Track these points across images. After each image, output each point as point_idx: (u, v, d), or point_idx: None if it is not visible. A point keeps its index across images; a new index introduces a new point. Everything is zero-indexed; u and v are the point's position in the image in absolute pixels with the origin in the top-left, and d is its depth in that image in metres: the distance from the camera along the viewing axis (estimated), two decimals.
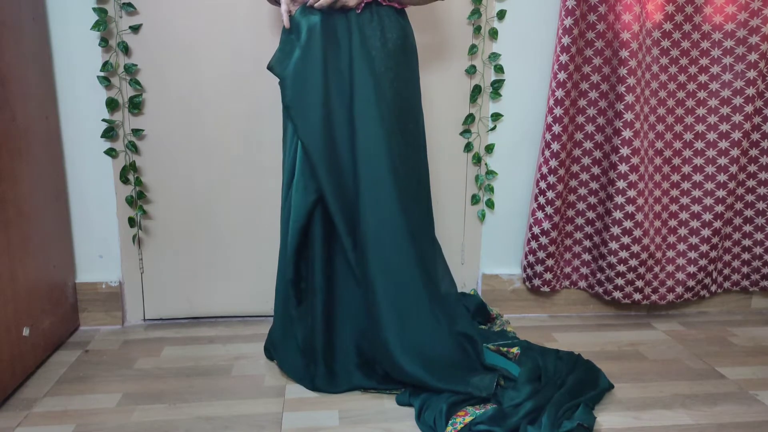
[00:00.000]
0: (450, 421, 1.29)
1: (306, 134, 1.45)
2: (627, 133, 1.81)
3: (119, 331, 1.86)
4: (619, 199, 1.87)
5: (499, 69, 1.90)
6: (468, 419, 1.29)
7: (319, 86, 1.44)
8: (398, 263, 1.48)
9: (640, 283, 1.94)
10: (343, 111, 1.47)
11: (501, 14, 1.86)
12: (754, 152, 1.97)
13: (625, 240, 1.89)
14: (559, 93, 1.82)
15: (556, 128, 1.84)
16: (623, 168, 1.84)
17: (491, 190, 1.99)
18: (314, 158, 1.45)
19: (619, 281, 1.93)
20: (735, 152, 1.91)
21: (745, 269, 2.07)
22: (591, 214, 1.97)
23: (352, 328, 1.55)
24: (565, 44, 1.78)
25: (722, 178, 1.93)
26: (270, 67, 1.47)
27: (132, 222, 1.83)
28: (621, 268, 1.91)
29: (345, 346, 1.54)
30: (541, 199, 1.91)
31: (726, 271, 2.08)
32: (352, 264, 1.52)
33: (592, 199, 1.95)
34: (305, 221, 1.48)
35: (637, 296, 1.95)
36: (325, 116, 1.45)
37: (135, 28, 1.73)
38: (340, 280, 1.54)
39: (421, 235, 1.57)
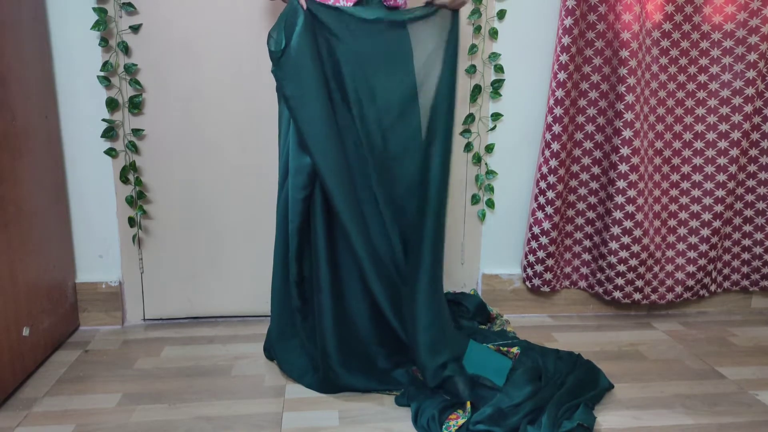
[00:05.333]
0: (444, 426, 1.30)
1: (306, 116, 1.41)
2: (627, 133, 1.81)
3: (119, 331, 1.86)
4: (619, 199, 1.87)
5: (499, 69, 1.90)
6: (461, 421, 1.30)
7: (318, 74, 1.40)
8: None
9: (640, 283, 1.93)
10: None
11: (501, 14, 1.86)
12: (753, 152, 1.97)
13: (625, 240, 1.89)
14: (559, 93, 1.82)
15: (556, 128, 1.84)
16: (623, 168, 1.84)
17: (491, 190, 1.99)
18: (317, 157, 1.41)
19: (619, 281, 1.93)
20: (734, 152, 1.91)
21: (744, 269, 2.07)
22: (591, 214, 1.97)
23: (356, 326, 1.54)
24: (565, 44, 1.78)
25: (722, 177, 1.93)
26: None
27: (132, 222, 1.83)
28: (621, 267, 1.91)
29: (349, 346, 1.54)
30: (541, 199, 1.91)
31: (726, 271, 2.08)
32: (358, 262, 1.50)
33: (592, 199, 1.95)
34: (301, 219, 1.47)
35: (637, 296, 1.95)
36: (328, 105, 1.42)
37: (135, 28, 1.73)
38: (345, 277, 1.53)
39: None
